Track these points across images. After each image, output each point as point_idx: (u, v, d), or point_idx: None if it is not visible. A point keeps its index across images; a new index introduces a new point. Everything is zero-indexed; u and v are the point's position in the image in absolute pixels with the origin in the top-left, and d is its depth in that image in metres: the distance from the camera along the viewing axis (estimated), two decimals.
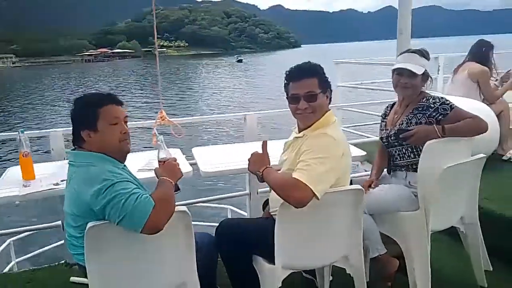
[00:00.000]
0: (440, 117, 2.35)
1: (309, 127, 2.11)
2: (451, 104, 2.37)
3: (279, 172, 2.13)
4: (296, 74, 2.11)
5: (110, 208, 1.63)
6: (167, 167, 1.95)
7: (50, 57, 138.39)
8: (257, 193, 3.43)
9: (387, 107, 2.73)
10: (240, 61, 76.86)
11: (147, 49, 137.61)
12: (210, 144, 3.31)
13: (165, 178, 1.87)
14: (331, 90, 2.16)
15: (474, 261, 2.56)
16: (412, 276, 2.39)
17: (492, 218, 2.79)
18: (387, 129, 2.59)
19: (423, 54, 2.48)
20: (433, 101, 2.40)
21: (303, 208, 1.85)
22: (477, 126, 2.36)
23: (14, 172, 2.67)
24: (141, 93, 35.30)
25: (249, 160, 2.15)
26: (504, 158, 3.92)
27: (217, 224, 2.22)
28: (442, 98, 2.42)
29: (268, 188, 3.41)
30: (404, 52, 2.58)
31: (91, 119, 1.82)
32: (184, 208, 1.82)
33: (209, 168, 2.67)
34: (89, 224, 1.66)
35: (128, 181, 1.73)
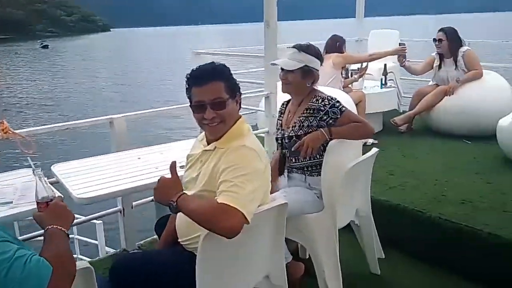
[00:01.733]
0: (330, 121, 2.33)
1: (219, 138, 1.84)
2: (341, 107, 2.36)
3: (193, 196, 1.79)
4: (199, 77, 1.80)
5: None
6: (53, 210, 1.43)
7: None
8: (132, 207, 2.98)
9: (283, 104, 2.64)
10: (45, 46, 66.38)
11: None
12: (70, 158, 2.64)
13: (54, 226, 1.37)
14: (240, 94, 1.91)
15: (368, 251, 2.69)
16: (322, 277, 2.36)
17: (384, 208, 2.94)
18: (283, 129, 2.50)
19: (304, 49, 2.42)
20: (323, 103, 2.35)
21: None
22: (364, 131, 2.41)
23: None
24: None
25: (155, 188, 1.75)
26: (367, 144, 4.22)
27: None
28: (332, 99, 2.39)
29: (150, 198, 3.01)
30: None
31: None
32: (85, 263, 1.43)
33: (84, 193, 2.13)
34: None
35: (4, 240, 1.21)
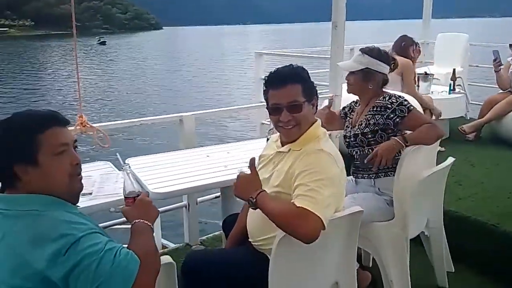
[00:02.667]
0: (397, 119, 2.28)
1: (294, 140, 1.82)
2: (409, 105, 2.31)
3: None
4: (276, 80, 1.80)
5: (77, 277, 1.13)
6: (140, 205, 1.45)
7: None
8: (197, 204, 3.02)
9: (353, 101, 2.60)
10: (103, 43, 65.90)
11: None
12: (138, 153, 2.70)
13: (141, 220, 1.39)
14: (317, 97, 1.88)
15: (436, 263, 2.58)
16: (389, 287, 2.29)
17: (453, 219, 2.82)
18: (351, 128, 2.47)
19: (367, 51, 2.40)
20: (390, 100, 2.32)
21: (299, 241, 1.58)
22: (436, 133, 2.33)
23: None
24: None
25: (235, 184, 1.76)
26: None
27: None
28: (400, 97, 2.36)
29: (214, 195, 3.04)
30: None
31: (27, 149, 1.26)
32: (168, 258, 1.44)
33: (159, 188, 2.18)
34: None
35: (95, 232, 1.23)
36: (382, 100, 2.33)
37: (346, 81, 2.46)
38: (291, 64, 1.86)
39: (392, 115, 2.28)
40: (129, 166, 1.61)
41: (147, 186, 2.19)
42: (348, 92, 2.50)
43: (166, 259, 1.45)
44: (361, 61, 2.38)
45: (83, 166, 1.41)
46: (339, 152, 1.84)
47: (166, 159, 2.62)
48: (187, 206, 3.01)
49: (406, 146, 2.25)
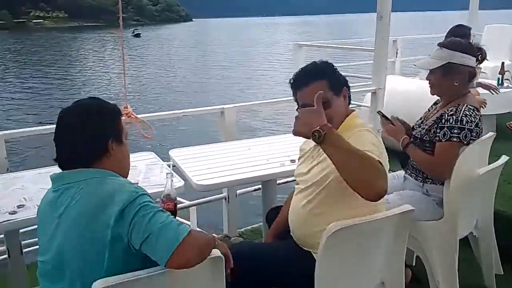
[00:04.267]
0: (436, 138, 2.12)
1: None
2: (459, 134, 2.07)
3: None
4: (302, 80, 1.78)
5: (133, 227, 1.20)
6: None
7: None
8: (236, 196, 3.01)
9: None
10: (137, 35, 64.21)
11: (20, 20, 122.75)
12: (180, 145, 2.70)
13: None
14: (348, 87, 1.82)
15: (485, 265, 2.48)
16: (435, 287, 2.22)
17: (503, 219, 2.71)
18: (420, 124, 2.33)
19: (445, 44, 2.19)
20: (450, 115, 2.09)
21: (349, 238, 1.54)
22: (431, 170, 2.18)
23: None
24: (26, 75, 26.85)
25: (297, 118, 1.51)
26: None
27: None
28: (467, 115, 2.08)
29: (253, 188, 3.02)
30: None
31: (117, 129, 1.41)
32: (217, 252, 1.41)
33: (202, 180, 2.17)
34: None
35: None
36: (450, 112, 2.10)
37: (428, 80, 2.24)
38: (314, 61, 1.83)
39: (439, 131, 2.10)
40: (172, 167, 1.78)
41: (191, 178, 2.18)
42: (432, 94, 2.29)
43: (214, 252, 1.43)
44: (440, 56, 2.15)
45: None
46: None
47: (208, 151, 2.62)
48: (227, 198, 3.01)
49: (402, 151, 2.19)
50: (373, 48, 3.37)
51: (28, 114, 15.96)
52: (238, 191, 3.07)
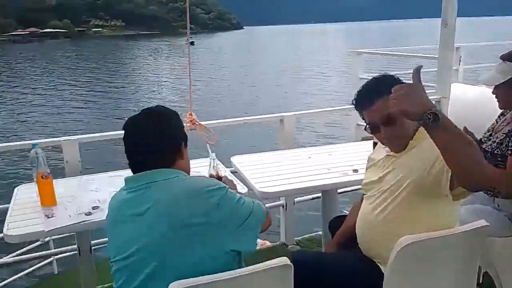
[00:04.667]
0: (508, 152, 2.00)
1: (404, 148, 1.71)
2: None
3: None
4: (364, 100, 1.72)
5: (231, 215, 1.37)
6: (226, 183, 1.56)
7: None
8: (294, 204, 3.01)
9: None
10: (192, 43, 63.22)
11: (81, 29, 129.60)
12: (240, 152, 2.72)
13: None
14: None
15: None
16: None
17: None
18: (489, 136, 2.22)
19: (506, 57, 2.08)
20: None
21: (420, 252, 1.51)
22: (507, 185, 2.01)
23: (26, 192, 2.14)
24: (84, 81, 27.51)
25: (397, 92, 1.33)
26: None
27: None
28: None
29: (311, 196, 2.98)
30: None
31: (184, 133, 1.52)
32: (286, 260, 1.41)
33: (265, 187, 2.18)
34: None
35: None
36: None
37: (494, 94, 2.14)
38: (373, 78, 1.77)
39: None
40: (215, 155, 1.99)
41: (254, 185, 2.21)
42: (500, 108, 2.20)
43: (283, 260, 1.43)
44: (503, 70, 2.06)
45: (191, 162, 1.55)
46: None
47: (269, 159, 2.63)
48: (285, 206, 3.01)
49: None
50: (437, 56, 3.27)
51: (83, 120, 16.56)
52: (296, 199, 3.07)
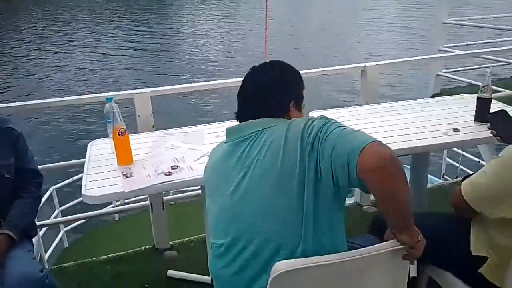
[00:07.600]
0: None
1: None
2: None
3: None
4: None
5: (323, 131, 1.19)
6: None
7: None
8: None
9: None
10: None
11: None
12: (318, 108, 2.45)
13: None
14: None
15: None
16: None
17: None
18: None
19: None
20: None
21: None
22: None
23: (100, 149, 2.03)
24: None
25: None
26: None
27: None
28: None
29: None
30: None
31: (301, 92, 1.45)
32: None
33: None
34: None
35: None
36: None
37: None
38: None
39: None
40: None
41: None
42: None
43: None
44: None
45: None
46: None
47: (351, 114, 2.39)
48: None
49: None
50: None
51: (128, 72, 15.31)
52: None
